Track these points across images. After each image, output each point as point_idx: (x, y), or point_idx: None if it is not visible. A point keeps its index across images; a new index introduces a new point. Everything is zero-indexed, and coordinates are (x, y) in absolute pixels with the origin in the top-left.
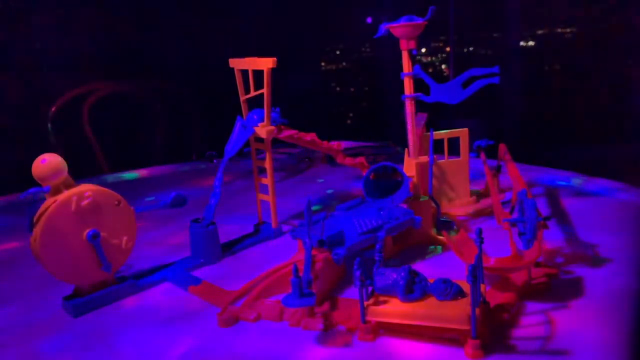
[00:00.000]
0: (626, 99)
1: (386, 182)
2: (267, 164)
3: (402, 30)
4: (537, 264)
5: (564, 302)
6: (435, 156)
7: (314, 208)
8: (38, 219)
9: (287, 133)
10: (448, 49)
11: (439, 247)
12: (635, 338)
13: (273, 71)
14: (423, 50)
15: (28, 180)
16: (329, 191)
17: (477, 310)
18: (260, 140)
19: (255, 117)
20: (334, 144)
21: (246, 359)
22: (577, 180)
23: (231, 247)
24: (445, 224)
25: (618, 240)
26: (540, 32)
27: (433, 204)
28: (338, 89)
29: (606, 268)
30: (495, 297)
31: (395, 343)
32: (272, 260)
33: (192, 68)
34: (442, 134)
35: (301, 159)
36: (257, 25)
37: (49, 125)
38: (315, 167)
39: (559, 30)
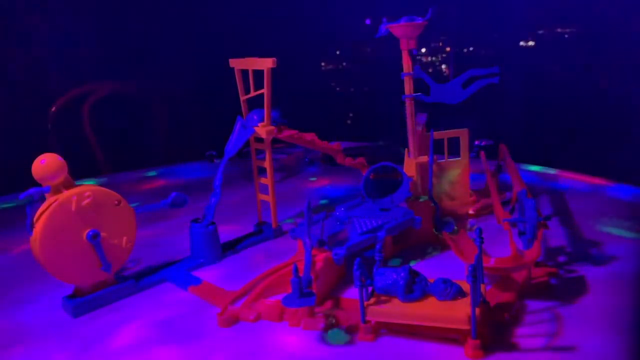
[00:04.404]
0: (626, 99)
1: (386, 182)
2: (267, 164)
3: (402, 30)
4: (537, 264)
5: (565, 302)
6: (435, 156)
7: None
8: (38, 219)
9: (287, 133)
10: (448, 49)
11: (438, 248)
12: (637, 337)
13: (273, 71)
14: (423, 50)
15: (28, 180)
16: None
17: (477, 310)
18: (260, 140)
19: (255, 117)
20: (334, 144)
21: (246, 359)
22: (576, 180)
23: (232, 247)
24: (444, 224)
25: (618, 239)
26: (540, 32)
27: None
28: (338, 89)
29: (607, 268)
30: (495, 296)
31: (395, 343)
32: (272, 260)
33: (192, 68)
34: (442, 133)
35: (301, 159)
36: (257, 25)
37: (49, 125)
38: (315, 167)
39: (559, 30)
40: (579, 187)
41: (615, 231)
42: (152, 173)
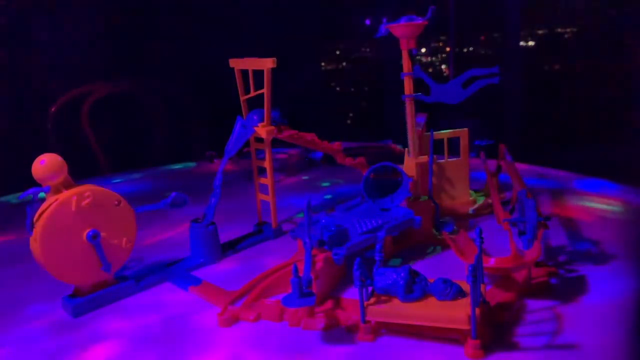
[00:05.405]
0: (626, 99)
1: (386, 182)
2: (267, 164)
3: (402, 30)
4: (538, 264)
5: (565, 302)
6: (435, 156)
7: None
8: (38, 219)
9: (287, 133)
10: (448, 49)
11: (438, 248)
12: (637, 337)
13: (273, 71)
14: (423, 50)
15: (28, 180)
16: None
17: (477, 311)
18: (260, 140)
19: (255, 117)
20: (334, 144)
21: (245, 359)
22: (577, 181)
23: (232, 247)
24: (444, 224)
25: (618, 239)
26: (540, 32)
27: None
28: (338, 89)
29: (606, 267)
30: (495, 296)
31: (395, 343)
32: (272, 260)
33: (192, 68)
34: (442, 134)
35: (300, 159)
36: (257, 25)
37: (49, 125)
38: (315, 167)
39: (559, 30)
40: (578, 186)
41: (614, 231)
42: (150, 173)
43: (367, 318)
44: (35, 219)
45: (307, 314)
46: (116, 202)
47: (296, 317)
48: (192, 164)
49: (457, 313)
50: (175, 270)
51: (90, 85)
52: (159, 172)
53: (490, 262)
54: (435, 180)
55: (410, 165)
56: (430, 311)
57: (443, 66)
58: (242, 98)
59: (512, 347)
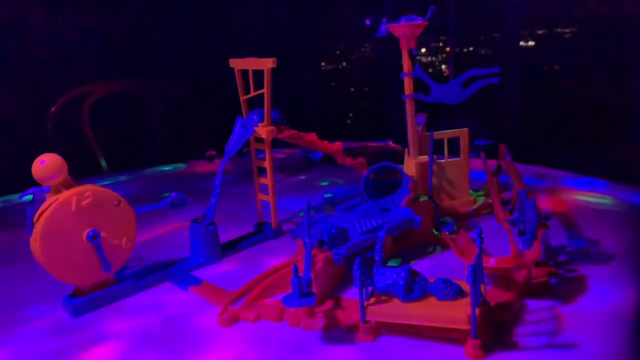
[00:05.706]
0: (626, 99)
1: (386, 182)
2: (267, 164)
3: (402, 30)
4: (538, 264)
5: (565, 302)
6: (435, 156)
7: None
8: (38, 219)
9: (287, 133)
10: (448, 49)
11: (438, 248)
12: (636, 337)
13: (273, 71)
14: (423, 50)
15: (28, 180)
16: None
17: (477, 311)
18: (260, 140)
19: (255, 117)
20: (334, 144)
21: (246, 359)
22: (577, 181)
23: (232, 247)
24: (444, 224)
25: (618, 239)
26: (540, 32)
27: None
28: (338, 89)
29: (606, 267)
30: (495, 296)
31: (395, 343)
32: (272, 260)
33: (192, 68)
34: (442, 134)
35: (299, 159)
36: (257, 25)
37: (49, 125)
38: (315, 167)
39: (559, 30)
40: (578, 186)
41: (614, 231)
42: (150, 173)
43: (367, 318)
44: (35, 219)
45: (307, 314)
46: (116, 202)
47: (296, 317)
48: (182, 165)
49: (457, 313)
50: (175, 270)
51: (90, 85)
52: (152, 174)
53: (490, 262)
54: (435, 180)
55: (410, 165)
56: (430, 311)
57: (443, 66)
58: (242, 98)
59: (512, 347)
